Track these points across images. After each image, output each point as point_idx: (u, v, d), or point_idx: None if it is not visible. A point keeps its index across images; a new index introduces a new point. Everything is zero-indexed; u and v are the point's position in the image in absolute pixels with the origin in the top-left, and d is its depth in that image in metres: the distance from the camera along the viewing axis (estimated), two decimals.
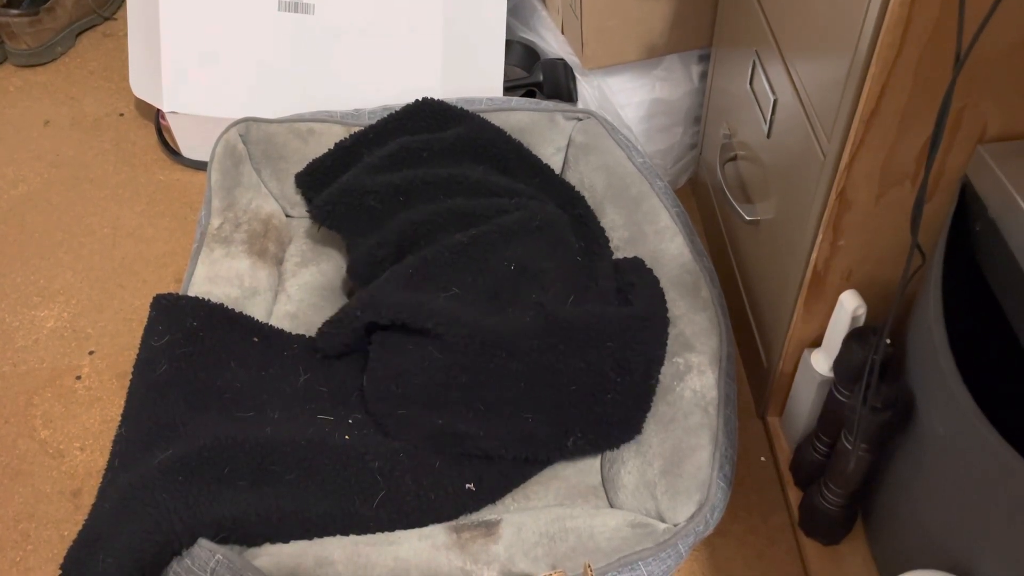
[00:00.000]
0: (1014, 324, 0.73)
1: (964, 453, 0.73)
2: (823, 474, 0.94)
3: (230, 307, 1.04)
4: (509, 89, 1.38)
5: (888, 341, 0.81)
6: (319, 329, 1.02)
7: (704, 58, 1.34)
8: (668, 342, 0.99)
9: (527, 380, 0.93)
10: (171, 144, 1.53)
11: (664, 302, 1.02)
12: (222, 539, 0.82)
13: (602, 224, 1.16)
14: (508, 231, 1.05)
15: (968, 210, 0.78)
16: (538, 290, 1.01)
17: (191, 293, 1.05)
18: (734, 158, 1.15)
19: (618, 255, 1.12)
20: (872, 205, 0.83)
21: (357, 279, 1.09)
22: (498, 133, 1.20)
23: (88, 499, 1.09)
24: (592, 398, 0.92)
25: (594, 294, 1.05)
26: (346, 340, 1.00)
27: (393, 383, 0.94)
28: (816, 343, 0.98)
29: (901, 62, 0.72)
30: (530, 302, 0.99)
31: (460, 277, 1.01)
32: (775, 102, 0.96)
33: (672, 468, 0.89)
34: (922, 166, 0.80)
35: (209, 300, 1.03)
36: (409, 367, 0.94)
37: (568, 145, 1.25)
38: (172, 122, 1.45)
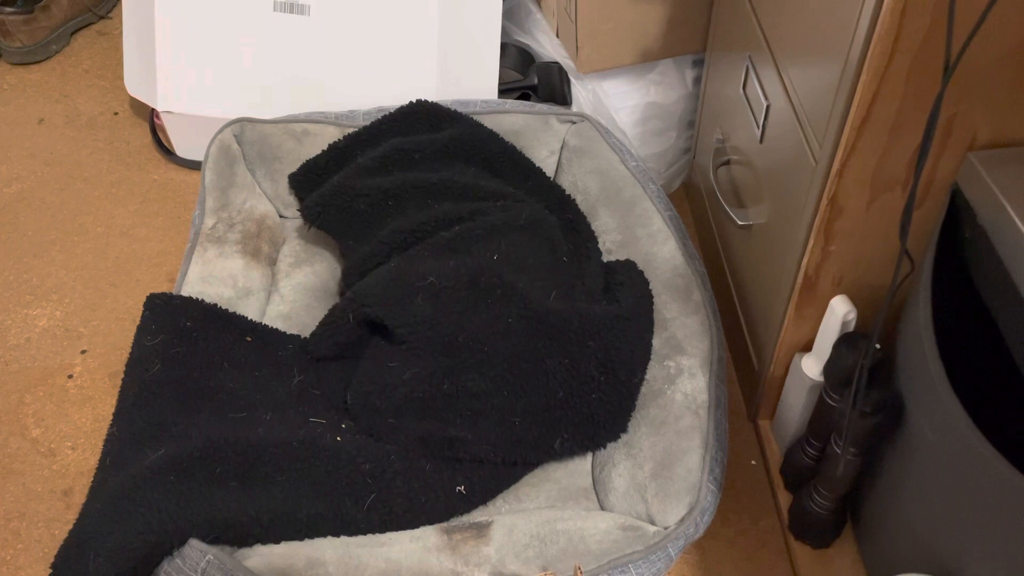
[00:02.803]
0: (1003, 331, 0.73)
1: (953, 458, 0.73)
2: (813, 478, 0.94)
3: (223, 307, 1.04)
4: (504, 92, 1.38)
5: (878, 346, 0.81)
6: (312, 332, 1.02)
7: (698, 63, 1.35)
8: (659, 345, 1.00)
9: (511, 384, 0.93)
10: (165, 143, 1.53)
11: (650, 302, 1.03)
12: (213, 539, 0.82)
13: (595, 227, 1.16)
14: (492, 228, 1.05)
15: (958, 217, 0.79)
16: (524, 279, 1.00)
17: (184, 293, 1.05)
18: (727, 163, 1.15)
19: (611, 258, 1.12)
20: (863, 211, 0.84)
21: (351, 287, 1.09)
22: (491, 136, 1.20)
23: (79, 498, 1.08)
24: (578, 399, 0.93)
25: (579, 292, 1.06)
26: (338, 340, 0.99)
27: (376, 397, 0.94)
28: (807, 348, 0.98)
29: (892, 70, 0.72)
30: (512, 292, 0.97)
31: (440, 265, 0.99)
32: (768, 107, 0.97)
33: (662, 471, 0.89)
34: (912, 173, 0.80)
35: (202, 300, 1.03)
36: (391, 380, 0.94)
37: (562, 148, 1.25)
38: (167, 121, 1.45)
